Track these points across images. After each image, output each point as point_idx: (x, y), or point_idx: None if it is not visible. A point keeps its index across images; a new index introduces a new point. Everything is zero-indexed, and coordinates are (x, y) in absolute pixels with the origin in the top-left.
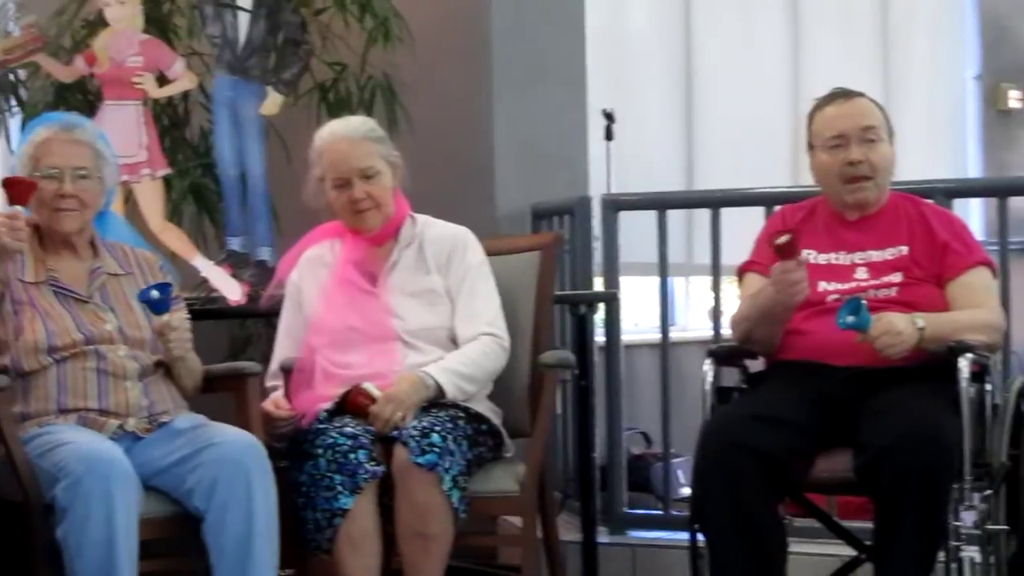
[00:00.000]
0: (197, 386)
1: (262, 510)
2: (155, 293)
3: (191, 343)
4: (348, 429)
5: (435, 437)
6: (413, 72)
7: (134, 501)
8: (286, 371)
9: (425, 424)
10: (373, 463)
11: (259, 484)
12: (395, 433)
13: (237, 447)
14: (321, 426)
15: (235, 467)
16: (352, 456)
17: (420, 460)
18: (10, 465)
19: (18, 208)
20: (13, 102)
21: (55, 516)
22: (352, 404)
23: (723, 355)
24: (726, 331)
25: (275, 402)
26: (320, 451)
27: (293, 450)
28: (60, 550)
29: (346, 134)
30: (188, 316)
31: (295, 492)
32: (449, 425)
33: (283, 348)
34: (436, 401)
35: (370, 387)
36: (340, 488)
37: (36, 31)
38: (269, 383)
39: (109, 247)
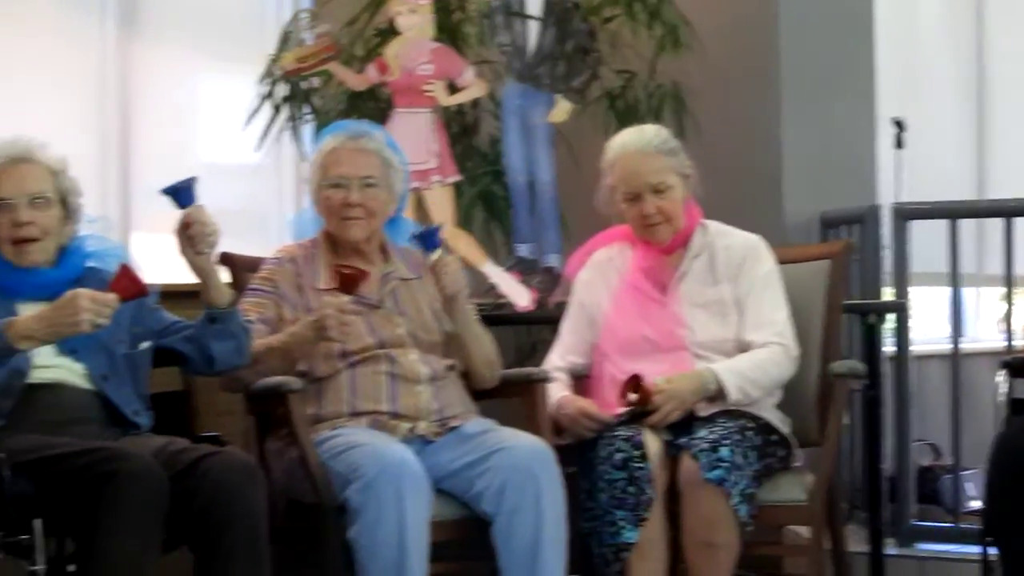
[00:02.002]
0: (490, 362)
1: (551, 516)
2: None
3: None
4: (636, 438)
5: (724, 451)
6: (701, 79)
7: (425, 503)
8: (575, 376)
9: (714, 437)
10: (651, 487)
11: (548, 490)
12: (683, 441)
13: (527, 452)
14: (608, 435)
15: (524, 472)
16: (631, 490)
17: (709, 476)
18: (304, 467)
19: (347, 302)
20: (307, 110)
21: (347, 517)
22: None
23: (1017, 366)
24: (1019, 342)
25: (588, 403)
26: (605, 466)
27: (580, 456)
28: (352, 551)
29: (639, 147)
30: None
31: (582, 513)
32: (738, 437)
33: (565, 344)
34: (720, 405)
35: (657, 380)
36: (623, 523)
37: (329, 40)
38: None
39: (400, 252)
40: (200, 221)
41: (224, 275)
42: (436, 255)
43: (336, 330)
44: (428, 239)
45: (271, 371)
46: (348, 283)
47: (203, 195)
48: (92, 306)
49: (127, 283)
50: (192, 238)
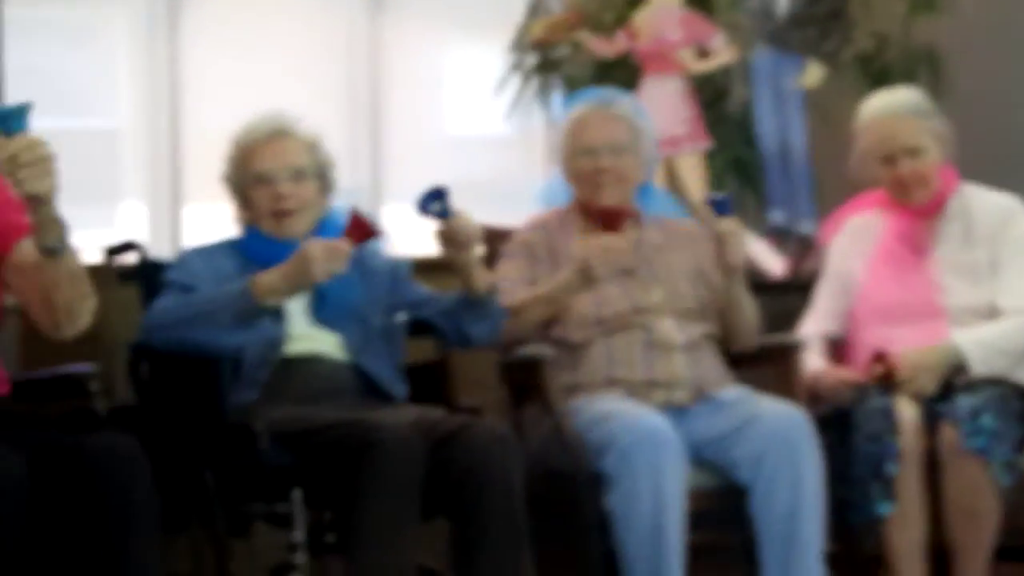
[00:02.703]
0: (752, 328)
1: (809, 485)
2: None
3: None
4: (888, 410)
5: (985, 419)
6: (956, 42)
7: (681, 472)
8: (829, 341)
9: (975, 404)
10: (895, 463)
11: (806, 459)
12: (943, 409)
13: (784, 421)
14: (862, 406)
15: (782, 441)
16: (887, 466)
17: (970, 445)
18: (559, 436)
19: (613, 238)
20: (556, 79)
21: (603, 486)
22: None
23: None
24: None
25: (844, 370)
26: (859, 436)
27: (837, 424)
28: (609, 520)
29: (893, 110)
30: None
31: (839, 482)
32: (999, 404)
33: (819, 312)
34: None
35: (904, 351)
36: (877, 496)
37: (578, 8)
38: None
39: (652, 220)
40: (462, 231)
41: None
42: (723, 223)
43: (602, 267)
44: (722, 205)
45: (531, 321)
46: (611, 219)
47: (452, 168)
48: (324, 254)
49: (358, 228)
50: (455, 242)
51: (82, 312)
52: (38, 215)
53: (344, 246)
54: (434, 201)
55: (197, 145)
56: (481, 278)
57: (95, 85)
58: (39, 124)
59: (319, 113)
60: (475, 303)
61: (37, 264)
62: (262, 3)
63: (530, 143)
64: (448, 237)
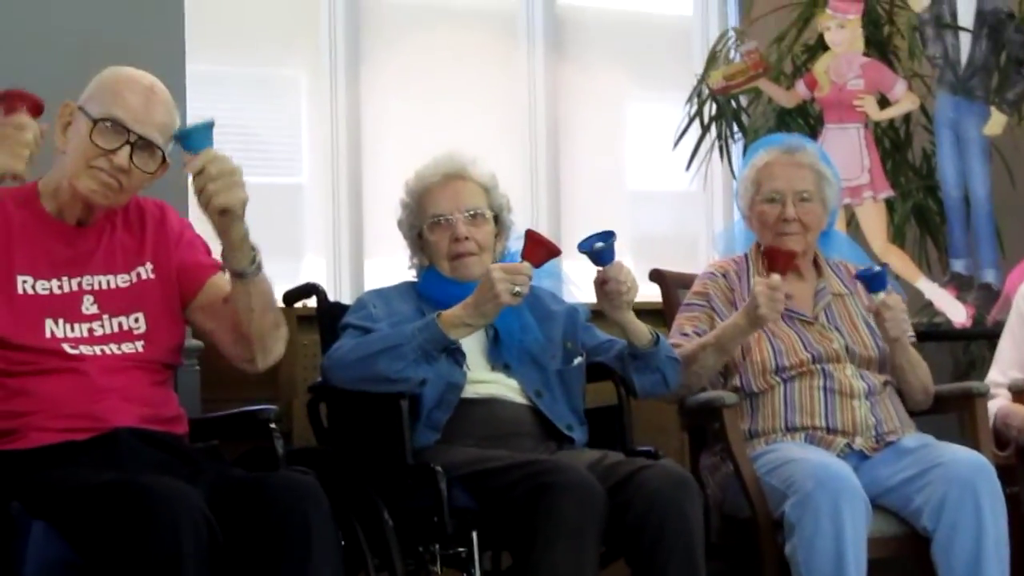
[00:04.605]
0: (925, 387)
1: (991, 532)
2: (599, 244)
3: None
4: None
5: None
6: None
7: (863, 519)
8: (1015, 392)
9: None
10: None
11: (988, 505)
12: None
13: (966, 466)
14: None
15: (964, 487)
16: None
17: None
18: (739, 481)
19: (776, 278)
20: (735, 128)
21: (784, 532)
22: None
23: None
24: None
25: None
26: None
27: None
28: (789, 566)
29: None
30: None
31: None
32: None
33: (1005, 359)
34: None
35: None
36: None
37: (757, 57)
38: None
39: (834, 266)
40: (616, 279)
41: (654, 290)
42: (881, 296)
43: (767, 307)
44: (875, 281)
45: (706, 370)
46: (779, 260)
47: (631, 221)
48: (506, 276)
49: (536, 247)
50: (609, 294)
51: (276, 341)
52: (230, 233)
53: (525, 267)
54: (598, 241)
55: (378, 199)
56: (642, 332)
57: (278, 140)
58: None
59: (498, 163)
60: (639, 356)
61: (230, 295)
62: (440, 57)
63: (712, 196)
64: (605, 285)
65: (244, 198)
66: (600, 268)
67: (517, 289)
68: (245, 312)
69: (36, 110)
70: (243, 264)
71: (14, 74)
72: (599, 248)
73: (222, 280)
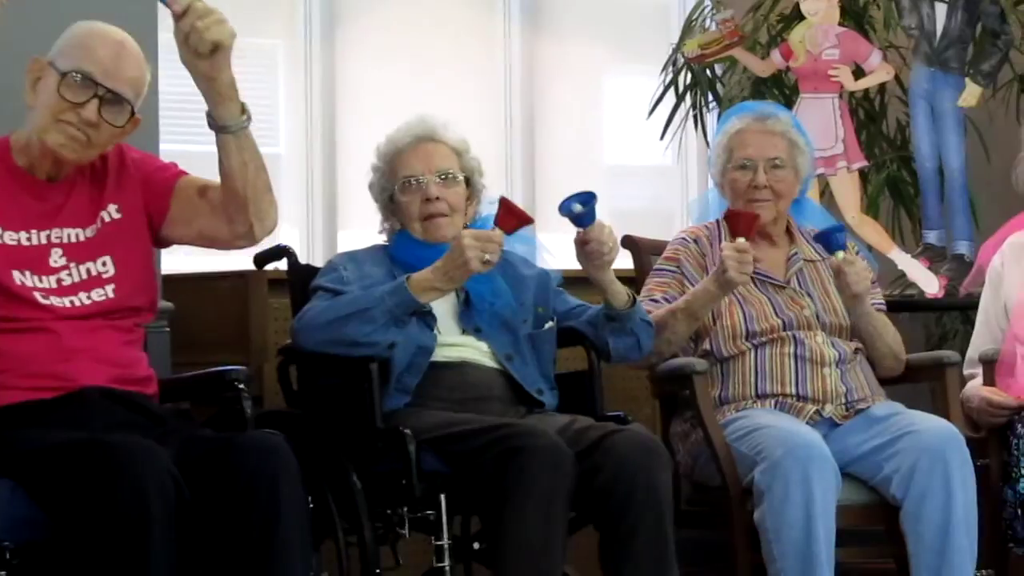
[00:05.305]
0: (894, 353)
1: (960, 501)
2: (577, 206)
3: (613, 258)
4: None
5: None
6: None
7: (832, 486)
8: (985, 361)
9: None
10: None
11: (958, 474)
12: None
13: (937, 436)
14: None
15: (934, 456)
16: None
17: None
18: (709, 449)
19: (743, 241)
20: (710, 97)
21: (753, 499)
22: None
23: None
24: None
25: (992, 391)
26: (1016, 454)
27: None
28: (757, 533)
29: None
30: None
31: (1000, 504)
32: None
33: (981, 336)
34: None
35: None
36: None
37: (733, 26)
38: (967, 371)
39: (806, 234)
40: (598, 239)
41: (626, 258)
42: (839, 255)
43: (735, 270)
44: (833, 239)
45: (677, 336)
46: (740, 223)
47: (608, 195)
48: (476, 243)
49: (508, 215)
50: (590, 254)
51: (270, 205)
52: (219, 77)
53: (497, 235)
54: (578, 203)
55: (353, 170)
56: (620, 293)
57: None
58: (196, 149)
59: (474, 134)
60: (616, 318)
61: (221, 159)
62: (416, 26)
63: (687, 170)
64: (586, 245)
65: (233, 32)
66: (580, 229)
67: (487, 257)
68: (239, 169)
69: None
70: (234, 114)
71: None
72: (579, 212)
73: (191, 178)
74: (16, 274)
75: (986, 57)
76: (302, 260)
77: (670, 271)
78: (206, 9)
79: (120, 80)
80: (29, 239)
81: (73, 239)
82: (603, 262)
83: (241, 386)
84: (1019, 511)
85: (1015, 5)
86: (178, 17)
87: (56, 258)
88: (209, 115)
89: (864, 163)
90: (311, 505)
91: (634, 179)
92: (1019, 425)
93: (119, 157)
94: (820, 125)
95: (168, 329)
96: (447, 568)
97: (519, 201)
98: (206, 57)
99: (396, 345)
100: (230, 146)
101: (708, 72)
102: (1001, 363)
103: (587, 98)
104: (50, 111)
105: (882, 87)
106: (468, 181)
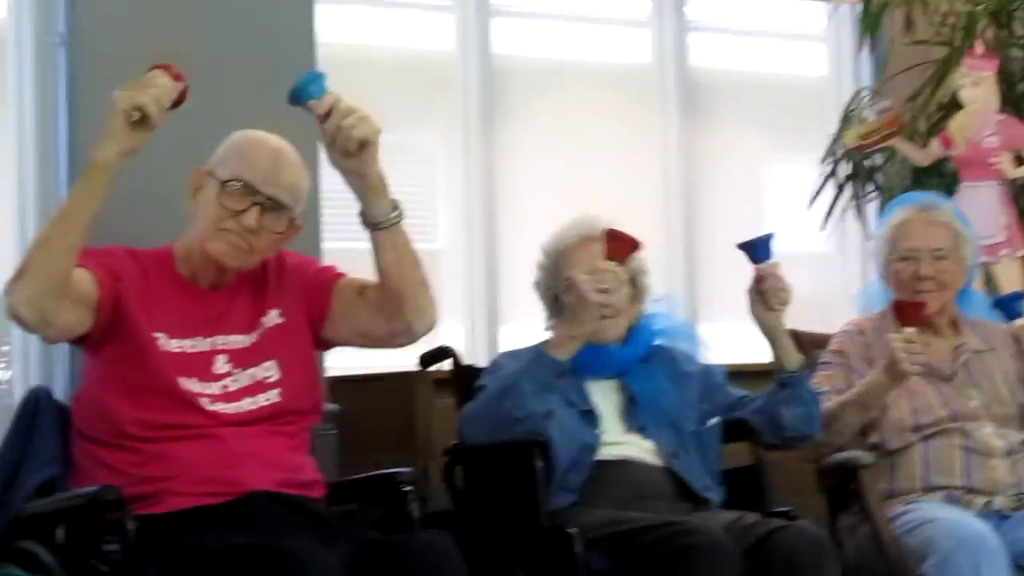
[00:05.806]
0: None
1: None
2: (758, 248)
3: (788, 298)
4: None
5: None
6: None
7: None
8: None
9: None
10: None
11: None
12: None
13: None
14: None
15: None
16: None
17: None
18: (877, 542)
19: (912, 331)
20: (870, 187)
21: None
22: None
23: None
24: None
25: None
26: None
27: None
28: None
29: None
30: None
31: None
32: None
33: None
34: None
35: None
36: None
37: (893, 115)
38: None
39: (972, 324)
40: (774, 276)
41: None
42: (1021, 321)
43: (907, 361)
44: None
45: (848, 428)
46: (907, 313)
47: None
48: (589, 277)
49: (618, 243)
50: (764, 294)
51: (427, 300)
52: (369, 173)
53: (607, 264)
54: (759, 242)
55: (514, 264)
56: (793, 352)
57: (415, 207)
58: (360, 246)
59: (636, 222)
60: (786, 383)
61: (376, 258)
62: (574, 118)
63: (847, 259)
64: (762, 283)
65: (379, 128)
66: (757, 266)
67: (602, 286)
68: (394, 266)
69: (176, 78)
70: (386, 209)
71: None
72: (756, 240)
73: (350, 279)
74: (183, 380)
75: None
76: (464, 355)
77: (835, 364)
78: (349, 108)
79: (279, 187)
80: (194, 346)
81: (237, 345)
82: (780, 302)
83: (408, 488)
84: None
85: None
86: (323, 119)
87: (221, 364)
88: (361, 213)
89: None
90: None
91: (794, 268)
92: None
93: (278, 262)
94: (982, 213)
95: (335, 431)
96: None
97: (679, 291)
98: (354, 155)
99: (552, 413)
100: (384, 243)
101: (867, 162)
102: None
103: (746, 187)
104: (211, 220)
105: None
106: (632, 281)
